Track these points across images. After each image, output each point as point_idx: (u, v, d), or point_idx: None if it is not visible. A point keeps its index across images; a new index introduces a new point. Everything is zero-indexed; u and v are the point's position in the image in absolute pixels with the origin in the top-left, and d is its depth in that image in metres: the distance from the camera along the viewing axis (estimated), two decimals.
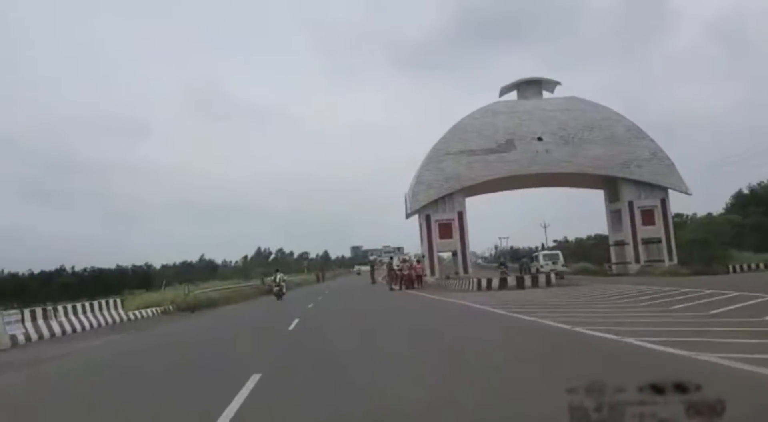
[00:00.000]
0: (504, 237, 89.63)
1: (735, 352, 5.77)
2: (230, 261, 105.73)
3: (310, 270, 78.40)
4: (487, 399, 4.52)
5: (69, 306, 16.50)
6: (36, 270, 68.52)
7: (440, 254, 41.87)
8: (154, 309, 22.26)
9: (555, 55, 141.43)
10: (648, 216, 40.34)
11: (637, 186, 40.43)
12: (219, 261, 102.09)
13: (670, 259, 38.86)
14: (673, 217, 41.53)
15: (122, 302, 19.72)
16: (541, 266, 37.54)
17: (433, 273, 37.41)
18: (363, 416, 4.40)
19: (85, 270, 74.42)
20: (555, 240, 71.53)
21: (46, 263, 71.21)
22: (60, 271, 73.94)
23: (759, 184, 57.22)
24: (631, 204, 40.38)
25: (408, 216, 45.02)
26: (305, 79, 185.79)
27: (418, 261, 32.33)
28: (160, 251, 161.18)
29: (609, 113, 41.79)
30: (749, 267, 32.48)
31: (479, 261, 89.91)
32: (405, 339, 8.89)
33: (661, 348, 6.52)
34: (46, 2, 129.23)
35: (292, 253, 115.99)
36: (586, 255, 50.06)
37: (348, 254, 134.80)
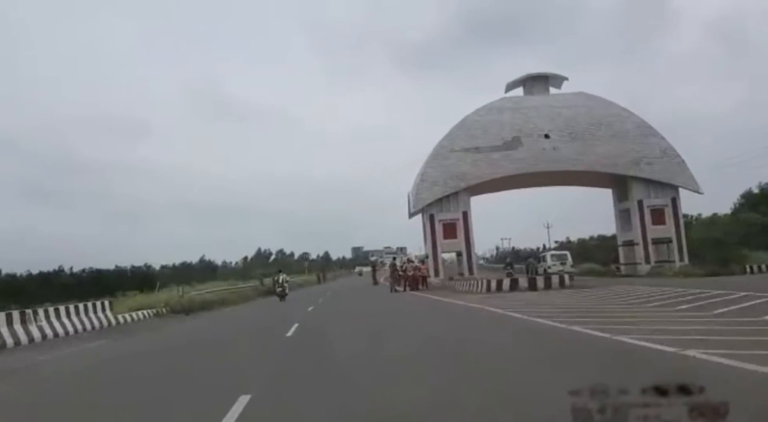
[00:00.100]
0: (506, 238, 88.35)
1: None
2: (230, 262, 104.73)
3: (311, 271, 77.26)
4: None
5: (51, 309, 15.37)
6: (36, 271, 67.43)
7: (443, 255, 40.76)
8: (146, 311, 21.15)
9: (555, 55, 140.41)
10: (658, 216, 39.16)
11: (647, 184, 39.28)
12: (219, 262, 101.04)
13: (681, 260, 37.72)
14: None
15: (111, 304, 18.57)
16: (549, 267, 36.40)
17: (437, 274, 36.25)
18: None
19: (83, 271, 73.51)
20: (556, 241, 70.45)
21: (47, 264, 70.25)
22: (58, 272, 73.04)
23: None
24: (640, 203, 39.22)
25: (411, 215, 43.86)
26: (305, 79, 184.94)
27: (422, 262, 31.13)
28: (161, 252, 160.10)
29: (618, 109, 40.63)
30: (767, 267, 31.29)
31: (481, 261, 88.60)
32: (421, 351, 7.66)
33: (734, 362, 5.38)
34: (46, 2, 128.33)
35: (292, 254, 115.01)
36: (590, 257, 48.85)
37: (349, 255, 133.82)
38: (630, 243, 40.16)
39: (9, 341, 12.78)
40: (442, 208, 39.38)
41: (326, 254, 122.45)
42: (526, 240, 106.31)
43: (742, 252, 33.29)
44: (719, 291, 14.29)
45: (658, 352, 6.34)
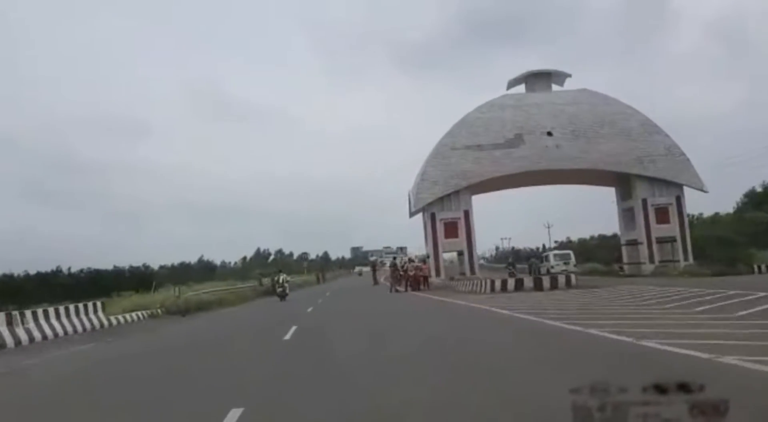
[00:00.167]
0: (506, 238, 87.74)
1: None
2: (229, 263, 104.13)
3: (310, 271, 76.64)
4: None
5: (40, 311, 14.77)
6: (35, 272, 66.77)
7: (443, 254, 40.17)
8: (141, 312, 20.55)
9: (555, 55, 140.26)
10: (662, 215, 38.61)
11: (651, 183, 38.72)
12: (218, 262, 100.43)
13: (686, 259, 37.17)
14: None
15: (103, 305, 17.97)
16: (552, 266, 35.82)
17: (438, 274, 35.67)
18: None
19: (81, 271, 72.90)
20: (556, 241, 69.87)
21: (46, 264, 69.50)
22: (56, 272, 72.41)
23: None
24: (644, 201, 38.65)
25: (412, 214, 43.27)
26: (305, 79, 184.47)
27: (424, 262, 30.54)
28: (160, 252, 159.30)
29: (622, 107, 40.06)
30: None
31: (481, 261, 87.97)
32: (427, 357, 7.09)
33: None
34: (46, 2, 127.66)
35: (291, 254, 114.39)
36: (591, 256, 48.34)
37: (348, 255, 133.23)
38: (634, 243, 39.59)
39: None
40: (444, 206, 38.80)
41: (325, 254, 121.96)
42: (526, 240, 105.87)
43: (750, 251, 32.70)
44: (735, 292, 13.72)
45: (692, 359, 5.76)
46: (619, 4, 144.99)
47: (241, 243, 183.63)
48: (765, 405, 3.92)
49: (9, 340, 12.72)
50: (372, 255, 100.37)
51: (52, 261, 70.71)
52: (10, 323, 13.07)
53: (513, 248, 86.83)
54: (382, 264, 65.91)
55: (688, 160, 38.71)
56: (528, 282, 20.68)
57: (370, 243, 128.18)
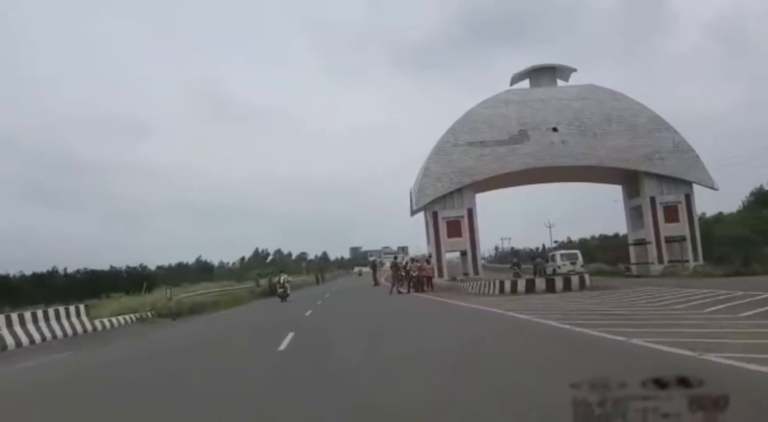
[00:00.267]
0: (506, 238, 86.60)
1: None
2: (227, 263, 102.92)
3: (309, 271, 75.44)
4: None
5: (15, 316, 13.60)
6: (31, 272, 65.46)
7: (445, 254, 39.05)
8: (129, 316, 19.36)
9: (555, 55, 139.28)
10: (671, 213, 37.53)
11: (660, 180, 37.64)
12: (216, 262, 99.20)
13: (695, 259, 36.09)
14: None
15: (87, 309, 16.78)
16: (559, 267, 34.64)
17: (440, 274, 34.51)
18: None
19: (77, 271, 71.62)
20: (555, 241, 68.69)
21: (46, 264, 68.08)
22: (52, 273, 71.19)
23: None
24: (653, 199, 37.57)
25: (414, 212, 42.15)
26: (305, 79, 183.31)
27: (428, 262, 29.37)
28: (160, 252, 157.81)
29: (629, 102, 38.97)
30: None
31: (482, 261, 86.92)
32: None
33: None
34: (46, 2, 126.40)
35: (290, 254, 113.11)
36: (592, 257, 47.24)
37: (347, 255, 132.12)
38: (642, 242, 38.49)
39: None
40: (446, 205, 37.69)
41: (324, 254, 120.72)
42: (526, 240, 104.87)
43: (765, 250, 31.59)
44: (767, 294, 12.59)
45: None
46: (619, 4, 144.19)
47: (241, 244, 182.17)
48: None
49: None
50: (371, 256, 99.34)
51: (52, 262, 69.22)
52: None
53: (513, 248, 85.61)
54: (381, 264, 64.73)
55: (697, 156, 37.62)
56: (540, 283, 19.51)
57: (369, 243, 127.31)
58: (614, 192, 44.73)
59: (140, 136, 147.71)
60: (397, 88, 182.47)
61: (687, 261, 35.86)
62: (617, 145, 37.47)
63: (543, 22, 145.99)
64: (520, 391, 4.81)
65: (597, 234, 75.52)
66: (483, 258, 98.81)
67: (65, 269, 69.96)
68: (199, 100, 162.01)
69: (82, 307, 16.44)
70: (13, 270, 61.98)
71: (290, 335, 10.54)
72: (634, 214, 39.85)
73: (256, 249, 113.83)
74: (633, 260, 39.49)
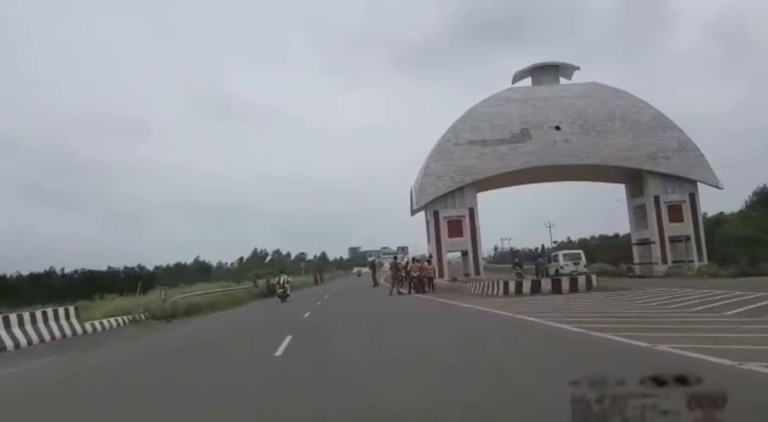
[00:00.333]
0: (506, 238, 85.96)
1: None
2: (226, 263, 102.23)
3: (308, 271, 74.81)
4: None
5: None
6: (31, 272, 64.83)
7: (446, 254, 38.47)
8: (122, 318, 18.74)
9: (555, 55, 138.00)
10: (675, 213, 37.01)
11: (664, 179, 37.13)
12: (214, 262, 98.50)
13: (700, 259, 35.55)
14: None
15: (77, 311, 16.15)
16: (562, 267, 34.08)
17: (441, 275, 33.90)
18: None
19: (75, 272, 71.02)
20: (555, 242, 68.01)
21: (45, 264, 67.47)
22: (49, 273, 70.56)
23: None
24: (657, 199, 37.07)
25: (414, 212, 41.60)
26: (305, 79, 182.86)
27: (429, 262, 28.76)
28: (160, 252, 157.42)
29: (633, 100, 38.43)
30: None
31: (481, 261, 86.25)
32: (467, 384, 5.32)
33: None
34: (46, 2, 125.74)
35: (289, 254, 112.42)
36: (593, 257, 46.71)
37: (346, 255, 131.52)
38: (645, 242, 37.95)
39: None
40: (447, 204, 37.13)
41: (323, 254, 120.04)
42: (525, 240, 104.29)
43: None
44: None
45: None
46: (619, 4, 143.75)
47: (241, 244, 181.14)
48: None
49: None
50: (370, 256, 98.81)
51: (52, 262, 68.65)
52: None
53: (512, 248, 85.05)
54: (380, 264, 64.13)
55: (702, 155, 37.11)
56: (545, 284, 18.90)
57: (368, 243, 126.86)
58: (615, 191, 44.15)
59: (140, 136, 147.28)
60: (397, 88, 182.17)
61: (691, 261, 35.32)
62: (621, 143, 36.94)
63: (543, 22, 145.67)
64: (555, 414, 4.21)
65: (597, 235, 75.10)
66: (483, 258, 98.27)
67: (62, 269, 69.39)
68: (199, 100, 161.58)
69: (71, 309, 15.82)
70: (12, 270, 61.52)
71: (288, 339, 9.94)
72: (638, 214, 39.31)
73: (255, 250, 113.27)
74: (636, 260, 38.97)
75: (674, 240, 36.39)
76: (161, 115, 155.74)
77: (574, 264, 33.88)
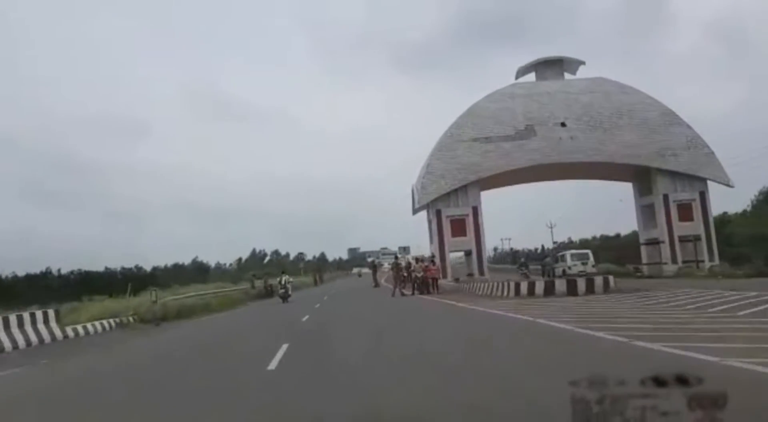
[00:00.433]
0: (506, 239, 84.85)
1: None
2: (224, 264, 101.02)
3: (307, 272, 73.68)
4: None
5: None
6: (28, 273, 63.71)
7: (450, 254, 37.39)
8: (108, 321, 17.61)
9: (555, 54, 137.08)
10: (685, 211, 35.98)
11: (673, 177, 36.11)
12: (213, 263, 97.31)
13: (710, 259, 34.51)
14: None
15: (57, 314, 15.00)
16: (569, 267, 32.99)
17: (444, 275, 32.76)
18: None
19: (71, 272, 69.97)
20: (555, 242, 66.94)
21: (45, 265, 66.42)
22: (46, 274, 69.51)
23: None
24: (666, 197, 36.04)
25: (416, 211, 40.50)
26: (305, 79, 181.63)
27: (433, 262, 27.64)
28: (159, 252, 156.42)
29: (641, 96, 37.38)
30: None
31: (485, 261, 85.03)
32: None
33: None
34: (46, 2, 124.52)
35: (288, 255, 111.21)
36: (595, 258, 45.57)
37: (345, 256, 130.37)
38: (654, 242, 36.91)
39: None
40: (450, 202, 36.06)
41: (322, 255, 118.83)
42: (525, 240, 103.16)
43: None
44: None
45: None
46: (619, 4, 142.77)
47: (240, 244, 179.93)
48: None
49: None
50: (369, 257, 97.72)
51: (51, 262, 67.63)
52: None
53: (512, 249, 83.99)
54: (380, 265, 62.98)
55: (712, 152, 36.08)
56: (560, 285, 17.76)
57: (368, 244, 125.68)
58: (615, 191, 43.12)
59: (140, 136, 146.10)
60: (397, 88, 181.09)
61: (702, 261, 34.29)
62: (628, 140, 35.90)
63: (543, 22, 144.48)
64: None
65: (598, 235, 74.04)
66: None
67: (59, 270, 68.38)
68: (199, 100, 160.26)
69: (50, 312, 14.68)
70: (12, 270, 60.48)
71: (283, 348, 8.82)
72: (646, 213, 38.27)
73: (254, 250, 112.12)
74: (645, 260, 37.89)
75: (684, 239, 35.35)
76: (161, 115, 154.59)
77: (582, 264, 32.79)
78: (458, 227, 35.92)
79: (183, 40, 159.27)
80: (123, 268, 70.74)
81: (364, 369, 6.68)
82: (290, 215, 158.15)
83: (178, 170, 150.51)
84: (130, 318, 18.78)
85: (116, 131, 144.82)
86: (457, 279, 33.25)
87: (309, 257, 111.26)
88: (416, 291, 25.00)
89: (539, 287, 17.82)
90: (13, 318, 13.10)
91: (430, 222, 37.67)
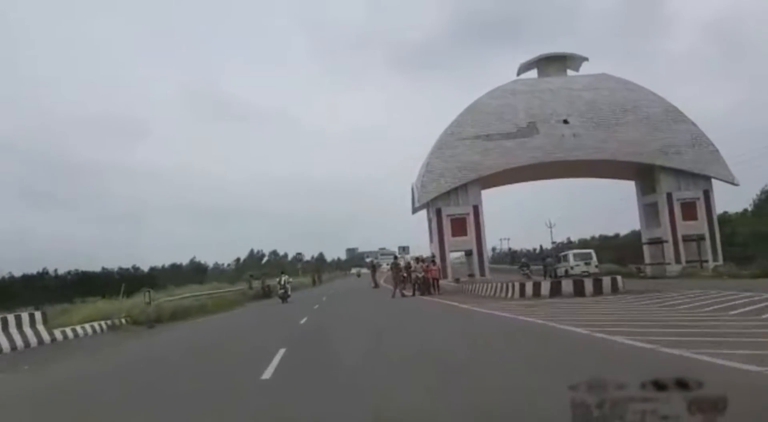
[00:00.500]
0: (505, 239, 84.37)
1: None
2: (222, 264, 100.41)
3: (305, 272, 73.07)
4: None
5: None
6: (24, 273, 63.04)
7: (450, 254, 36.82)
8: (99, 323, 17.00)
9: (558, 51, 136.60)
10: (689, 210, 35.45)
11: (677, 175, 35.58)
12: (212, 263, 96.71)
13: (714, 259, 33.98)
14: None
15: (44, 316, 14.39)
16: (572, 267, 32.44)
17: (445, 275, 32.18)
18: None
19: (68, 273, 69.32)
20: (553, 242, 66.50)
21: (44, 265, 65.83)
22: (42, 274, 68.84)
23: None
24: (669, 196, 35.51)
25: (415, 210, 39.92)
26: (305, 79, 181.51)
27: (433, 262, 27.07)
28: (158, 253, 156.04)
29: (644, 93, 36.85)
30: None
31: (486, 261, 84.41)
32: None
33: None
34: (46, 2, 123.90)
35: (286, 255, 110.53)
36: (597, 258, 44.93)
37: (343, 256, 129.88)
38: (657, 241, 36.36)
39: None
40: (450, 201, 35.47)
41: (321, 255, 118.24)
42: (524, 240, 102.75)
43: None
44: None
45: None
46: (619, 4, 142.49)
47: (238, 245, 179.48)
48: None
49: None
50: (368, 257, 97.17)
51: (50, 263, 67.22)
52: None
53: (510, 249, 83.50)
54: (379, 265, 62.42)
55: (717, 150, 35.55)
56: (566, 286, 17.17)
57: (366, 244, 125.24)
58: (615, 191, 42.73)
59: (140, 136, 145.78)
60: (396, 88, 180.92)
61: (706, 261, 33.78)
62: (631, 137, 35.36)
63: (542, 23, 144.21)
64: None
65: (597, 235, 73.55)
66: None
67: (56, 270, 67.75)
68: (199, 100, 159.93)
69: (37, 315, 14.06)
70: (10, 271, 59.86)
71: (280, 353, 8.23)
72: (649, 212, 37.74)
73: (252, 250, 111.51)
74: (647, 260, 37.35)
75: (687, 239, 34.84)
76: (161, 115, 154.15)
77: (585, 264, 32.25)
78: (458, 226, 35.35)
79: (183, 40, 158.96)
80: (120, 269, 70.10)
81: (367, 381, 6.08)
82: (289, 215, 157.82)
83: (177, 170, 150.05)
84: (123, 320, 18.17)
85: (116, 131, 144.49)
86: (457, 280, 32.71)
87: (307, 257, 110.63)
88: (417, 292, 24.43)
89: (545, 288, 17.25)
90: None
91: (429, 221, 37.10)
